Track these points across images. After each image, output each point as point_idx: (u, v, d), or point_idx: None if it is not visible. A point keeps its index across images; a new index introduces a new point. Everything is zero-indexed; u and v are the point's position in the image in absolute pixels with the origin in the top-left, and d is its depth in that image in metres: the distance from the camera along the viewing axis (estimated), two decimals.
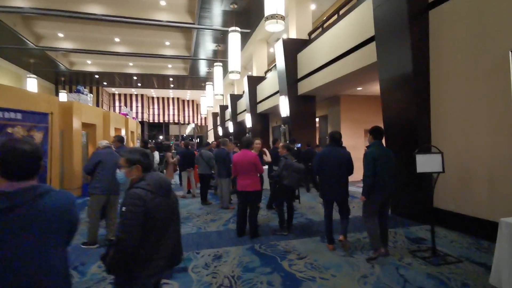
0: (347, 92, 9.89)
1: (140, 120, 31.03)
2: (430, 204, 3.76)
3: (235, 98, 19.96)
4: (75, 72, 23.07)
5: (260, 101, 14.48)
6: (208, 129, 34.54)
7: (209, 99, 22.58)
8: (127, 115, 12.40)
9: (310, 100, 10.12)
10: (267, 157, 5.03)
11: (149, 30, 16.44)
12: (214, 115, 28.80)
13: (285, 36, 10.46)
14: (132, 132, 12.68)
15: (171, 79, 25.65)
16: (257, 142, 4.75)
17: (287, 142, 8.93)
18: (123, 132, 11.20)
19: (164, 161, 7.96)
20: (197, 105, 34.27)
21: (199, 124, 35.81)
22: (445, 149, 3.92)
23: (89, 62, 21.92)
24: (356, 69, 6.69)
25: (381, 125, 5.83)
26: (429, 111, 4.90)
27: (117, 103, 30.16)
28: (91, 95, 9.37)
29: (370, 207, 3.43)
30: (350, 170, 3.74)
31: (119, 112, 13.36)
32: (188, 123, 35.63)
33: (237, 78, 13.17)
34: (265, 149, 5.15)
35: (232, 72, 12.31)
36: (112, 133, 10.14)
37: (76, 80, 25.21)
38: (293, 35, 10.61)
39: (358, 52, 6.62)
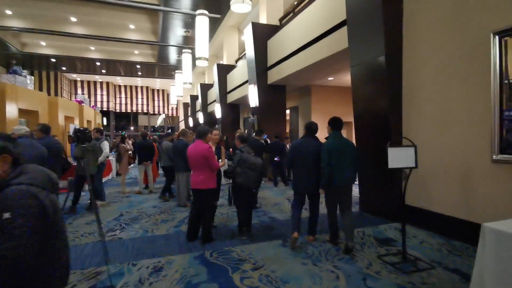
0: (318, 83, 9.50)
1: (105, 109, 29.23)
2: (401, 202, 3.39)
3: (205, 88, 19.10)
4: (28, 55, 20.94)
5: (230, 91, 13.81)
6: (180, 120, 33.29)
7: (179, 88, 21.50)
8: (83, 102, 11.23)
9: (280, 90, 9.63)
10: (221, 161, 4.29)
11: (109, 10, 15.08)
12: (185, 105, 27.66)
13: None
14: (88, 121, 11.54)
15: (138, 66, 24.12)
16: (215, 132, 4.14)
17: (253, 133, 8.43)
18: (76, 121, 10.09)
19: (117, 153, 7.14)
20: (167, 94, 32.81)
21: (170, 114, 34.38)
22: (418, 143, 3.56)
23: (43, 43, 19.93)
24: (327, 55, 6.25)
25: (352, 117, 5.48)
26: (401, 102, 4.55)
27: (79, 91, 28.02)
28: (31, 77, 8.17)
29: (329, 202, 3.55)
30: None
31: (75, 100, 12.07)
32: (159, 114, 34.10)
33: (205, 65, 12.41)
34: (223, 148, 4.53)
35: (199, 58, 11.50)
36: (62, 122, 9.06)
37: (30, 64, 22.94)
38: (263, 21, 10.00)
39: (329, 38, 6.17)
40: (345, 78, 8.75)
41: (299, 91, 10.63)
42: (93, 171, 5.33)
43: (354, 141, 5.20)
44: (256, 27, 9.34)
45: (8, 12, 15.37)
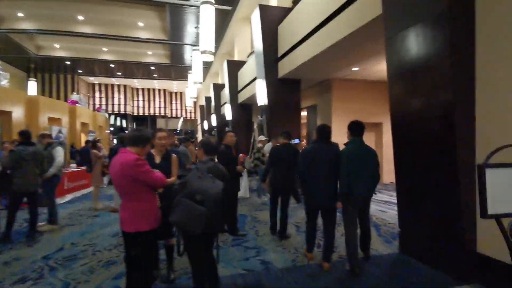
0: (340, 75, 7.81)
1: (123, 112, 29.05)
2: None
3: (218, 88, 17.86)
4: (47, 59, 20.81)
5: (241, 89, 12.40)
6: (198, 123, 32.64)
7: (192, 89, 20.52)
8: (78, 103, 10.27)
9: (294, 85, 8.04)
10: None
11: (115, 7, 14.26)
12: (201, 108, 26.74)
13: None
14: (84, 124, 10.55)
15: (152, 68, 23.43)
16: (160, 135, 2.65)
17: (258, 137, 6.97)
18: (64, 121, 9.07)
19: (88, 161, 5.90)
20: (184, 97, 32.21)
21: (187, 117, 33.75)
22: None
23: (57, 45, 19.64)
24: (350, 31, 4.60)
25: (388, 118, 3.81)
26: (473, 100, 2.79)
27: (97, 94, 27.93)
28: (6, 74, 7.24)
29: (347, 214, 3.10)
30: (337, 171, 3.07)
31: (97, 106, 10.89)
32: (176, 117, 33.58)
33: (211, 60, 11.15)
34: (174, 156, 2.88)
35: (204, 52, 10.23)
36: (45, 124, 8.04)
37: (48, 68, 22.98)
38: (274, 3, 8.52)
39: (354, 6, 4.53)
40: (374, 68, 7.01)
41: (318, 87, 8.97)
42: (34, 188, 4.04)
43: (392, 150, 3.58)
44: (265, 10, 7.84)
45: (20, 14, 15.05)
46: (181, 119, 33.86)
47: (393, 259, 3.38)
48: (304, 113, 10.28)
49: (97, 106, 25.68)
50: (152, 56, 21.56)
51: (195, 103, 32.35)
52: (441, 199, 2.93)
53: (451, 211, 2.83)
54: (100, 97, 28.12)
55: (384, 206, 6.05)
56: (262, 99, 8.13)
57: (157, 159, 2.62)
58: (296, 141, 6.06)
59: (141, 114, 31.05)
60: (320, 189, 3.05)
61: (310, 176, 3.08)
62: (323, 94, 8.76)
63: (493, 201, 1.32)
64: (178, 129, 34.48)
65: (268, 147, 6.46)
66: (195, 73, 15.98)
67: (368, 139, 8.79)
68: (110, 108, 28.00)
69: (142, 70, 24.05)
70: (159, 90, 31.32)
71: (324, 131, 3.18)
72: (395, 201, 6.37)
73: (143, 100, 31.06)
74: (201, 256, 2.21)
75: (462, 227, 2.72)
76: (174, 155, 2.83)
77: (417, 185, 3.26)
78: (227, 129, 14.31)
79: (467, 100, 2.77)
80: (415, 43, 3.13)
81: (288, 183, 4.01)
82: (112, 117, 28.26)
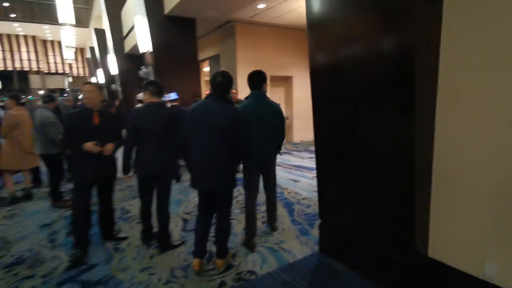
0: (244, 15, 6.30)
1: None
2: None
3: (102, 35, 14.17)
4: None
5: (126, 35, 9.71)
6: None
7: (69, 36, 16.12)
8: None
9: (187, 25, 6.19)
10: None
11: None
12: (88, 61, 21.88)
13: None
14: None
15: (5, 4, 17.15)
16: None
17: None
18: None
19: None
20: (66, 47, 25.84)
21: (74, 74, 27.63)
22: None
23: None
24: None
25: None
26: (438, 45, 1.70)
27: None
28: None
29: (248, 177, 2.59)
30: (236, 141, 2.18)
31: None
32: (57, 73, 27.08)
33: None
34: None
35: None
36: None
37: None
38: None
39: None
40: (282, 7, 5.73)
41: (220, 32, 7.31)
42: None
43: (304, 105, 2.40)
44: None
45: None
46: (69, 78, 27.56)
47: (312, 266, 2.38)
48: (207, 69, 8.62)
49: None
50: None
51: (82, 55, 26.56)
52: (383, 182, 1.93)
53: (396, 198, 1.86)
54: None
55: (295, 172, 5.22)
56: (145, 44, 6.08)
57: None
58: (171, 96, 4.36)
59: (1, 68, 23.78)
60: (207, 164, 2.11)
61: (195, 145, 2.13)
62: (226, 41, 7.18)
63: None
64: (67, 88, 28.30)
65: None
66: (62, 10, 12.07)
67: (278, 94, 7.91)
68: None
69: None
70: (26, 37, 24.20)
71: (217, 82, 2.12)
72: (308, 166, 5.71)
73: (3, 50, 23.66)
74: None
75: (412, 222, 1.78)
76: None
77: (348, 158, 2.21)
78: (113, 86, 11.54)
79: (432, 46, 1.67)
80: None
81: (161, 165, 2.49)
82: None
